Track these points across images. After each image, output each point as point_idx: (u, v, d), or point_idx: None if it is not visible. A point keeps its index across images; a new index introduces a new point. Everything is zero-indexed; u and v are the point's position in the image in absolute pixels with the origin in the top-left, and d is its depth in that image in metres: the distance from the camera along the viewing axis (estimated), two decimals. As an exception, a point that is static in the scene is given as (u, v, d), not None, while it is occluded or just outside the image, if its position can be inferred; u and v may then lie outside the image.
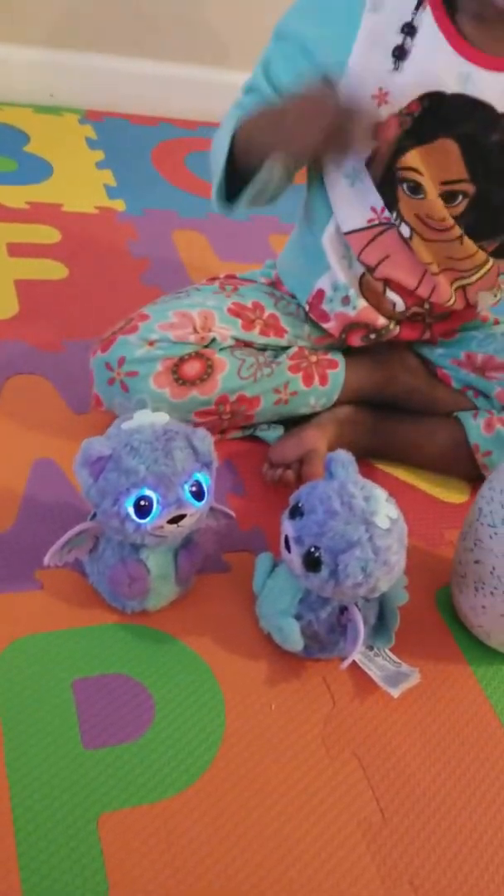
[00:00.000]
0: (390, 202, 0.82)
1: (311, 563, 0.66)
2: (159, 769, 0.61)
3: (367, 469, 0.91)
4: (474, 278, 0.87)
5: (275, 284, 0.97)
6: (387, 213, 0.83)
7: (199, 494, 0.66)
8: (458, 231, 0.82)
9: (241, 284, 0.95)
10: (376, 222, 0.84)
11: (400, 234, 0.83)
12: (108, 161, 1.45)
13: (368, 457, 0.93)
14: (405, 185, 0.80)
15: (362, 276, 0.89)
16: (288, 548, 0.69)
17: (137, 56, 1.56)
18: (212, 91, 1.32)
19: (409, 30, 0.73)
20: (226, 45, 1.57)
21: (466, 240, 0.83)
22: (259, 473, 0.88)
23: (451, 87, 0.74)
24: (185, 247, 1.26)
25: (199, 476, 0.67)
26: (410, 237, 0.83)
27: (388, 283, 0.88)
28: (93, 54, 1.54)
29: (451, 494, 0.94)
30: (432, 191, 0.79)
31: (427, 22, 0.73)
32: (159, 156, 1.51)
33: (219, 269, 1.04)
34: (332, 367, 0.93)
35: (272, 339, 0.90)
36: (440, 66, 0.73)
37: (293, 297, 0.95)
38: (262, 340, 0.89)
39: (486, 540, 0.72)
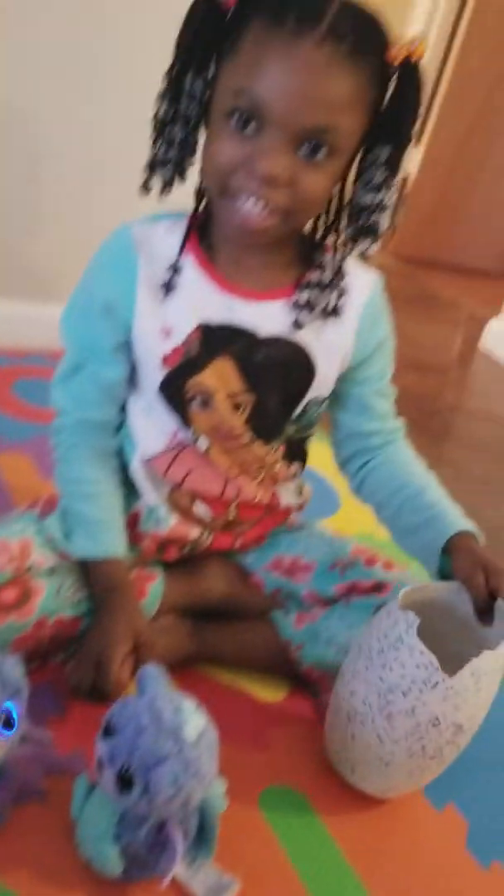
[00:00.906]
0: (185, 421, 0.91)
1: (124, 781, 0.68)
2: None
3: (185, 675, 0.94)
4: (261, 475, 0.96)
5: None
6: (183, 433, 0.92)
7: (8, 723, 0.68)
8: (247, 437, 0.91)
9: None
10: (175, 443, 0.93)
11: (198, 449, 0.92)
12: None
13: (189, 663, 0.97)
14: (196, 403, 0.89)
15: (170, 493, 0.96)
16: (101, 769, 0.70)
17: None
18: (38, 323, 1.42)
19: (174, 268, 0.86)
20: (52, 279, 1.70)
21: (256, 445, 0.92)
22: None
23: (217, 317, 0.86)
24: (10, 470, 1.31)
25: (9, 705, 0.68)
26: (208, 449, 0.92)
27: (195, 495, 0.96)
28: None
29: (270, 693, 0.98)
30: (221, 403, 0.89)
31: (189, 264, 0.86)
32: (-13, 383, 1.58)
33: (43, 490, 1.09)
34: (150, 580, 0.98)
35: None
36: (206, 300, 0.86)
37: None
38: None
39: (362, 672, 0.80)
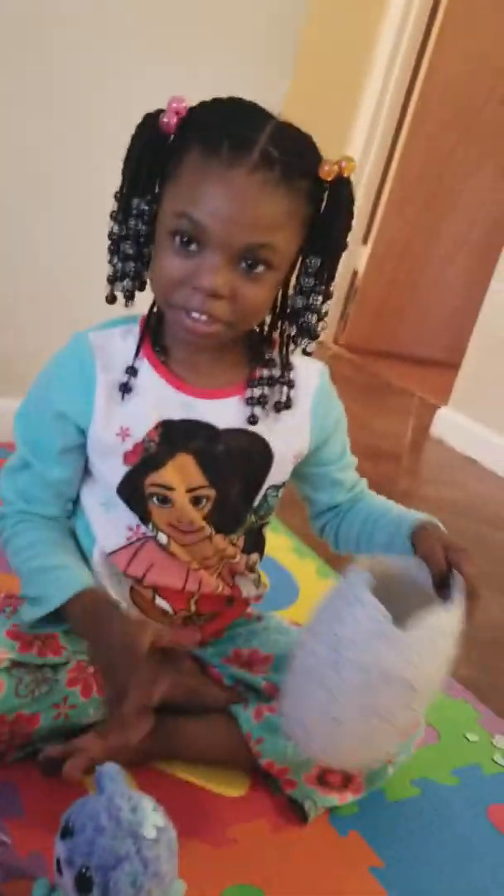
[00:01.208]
0: (144, 517, 0.93)
1: (83, 883, 0.67)
2: None
3: (144, 771, 0.94)
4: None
5: None
6: (143, 528, 0.93)
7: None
8: (207, 531, 0.93)
9: (20, 603, 0.99)
10: (135, 538, 0.94)
11: (158, 543, 0.94)
12: None
13: (150, 759, 0.96)
14: (155, 499, 0.92)
15: (131, 588, 0.97)
16: (60, 870, 0.69)
17: None
18: None
19: (132, 371, 0.90)
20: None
21: (216, 538, 0.94)
22: (41, 795, 0.88)
23: (177, 414, 0.90)
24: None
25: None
26: (168, 544, 0.93)
27: (156, 589, 0.97)
28: None
29: (230, 789, 0.98)
30: (180, 499, 0.91)
31: (145, 367, 0.90)
32: None
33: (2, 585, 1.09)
34: None
35: (49, 659, 0.95)
36: (164, 400, 0.90)
37: None
38: (39, 661, 0.93)
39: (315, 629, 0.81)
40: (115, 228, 0.86)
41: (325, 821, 0.98)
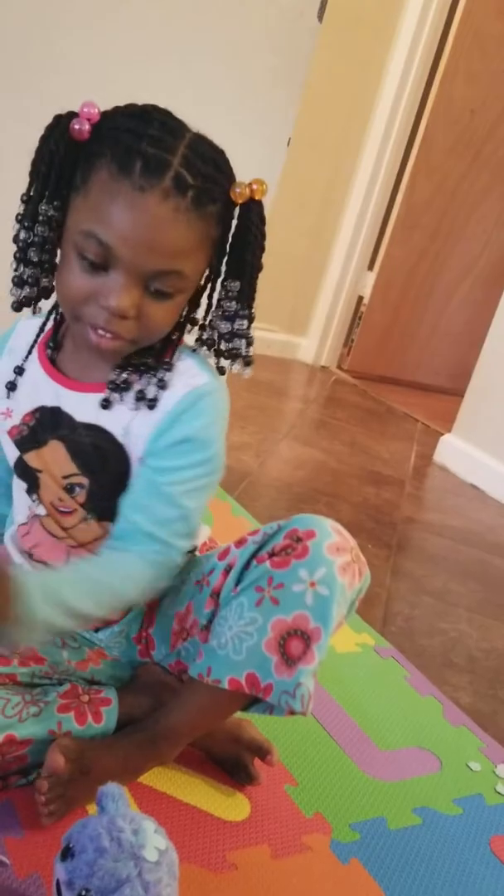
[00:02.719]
0: (32, 488, 0.96)
1: (83, 906, 0.66)
2: None
3: (145, 794, 0.93)
4: None
5: None
6: (32, 505, 0.96)
7: (-34, 846, 0.66)
8: (82, 514, 0.94)
9: None
10: (31, 515, 0.98)
11: (42, 523, 0.96)
12: None
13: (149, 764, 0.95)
14: (38, 478, 0.95)
15: (26, 562, 1.00)
16: (60, 892, 0.68)
17: None
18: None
19: (19, 370, 0.95)
20: None
21: (92, 523, 0.94)
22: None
23: (49, 402, 0.93)
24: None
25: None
26: (45, 518, 0.96)
27: (43, 565, 0.98)
28: None
29: (231, 813, 0.97)
30: (51, 483, 0.94)
31: (33, 361, 0.95)
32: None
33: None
34: (104, 705, 0.97)
35: (35, 668, 0.94)
36: (42, 388, 0.93)
37: None
38: (24, 670, 0.93)
39: None
40: (23, 234, 0.84)
41: (326, 847, 0.97)
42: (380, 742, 1.19)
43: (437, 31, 3.28)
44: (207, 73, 1.76)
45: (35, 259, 0.84)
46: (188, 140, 0.78)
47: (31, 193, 0.82)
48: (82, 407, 0.91)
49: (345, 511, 2.12)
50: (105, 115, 0.79)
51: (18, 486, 0.98)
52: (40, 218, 0.82)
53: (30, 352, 0.95)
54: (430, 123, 3.36)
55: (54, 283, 0.87)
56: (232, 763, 1.02)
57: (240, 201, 0.82)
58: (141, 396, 0.89)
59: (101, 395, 0.90)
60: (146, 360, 0.90)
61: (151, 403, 0.89)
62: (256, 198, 0.82)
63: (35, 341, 0.95)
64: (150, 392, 0.89)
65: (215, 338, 0.89)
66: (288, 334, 3.63)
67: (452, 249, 3.61)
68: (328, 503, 2.14)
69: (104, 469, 0.92)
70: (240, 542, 0.96)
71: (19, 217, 0.84)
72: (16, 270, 0.86)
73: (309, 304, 3.64)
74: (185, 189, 0.76)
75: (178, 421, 0.89)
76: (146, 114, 0.79)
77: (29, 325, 0.96)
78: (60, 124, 0.80)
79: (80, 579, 0.87)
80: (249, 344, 0.89)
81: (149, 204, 0.75)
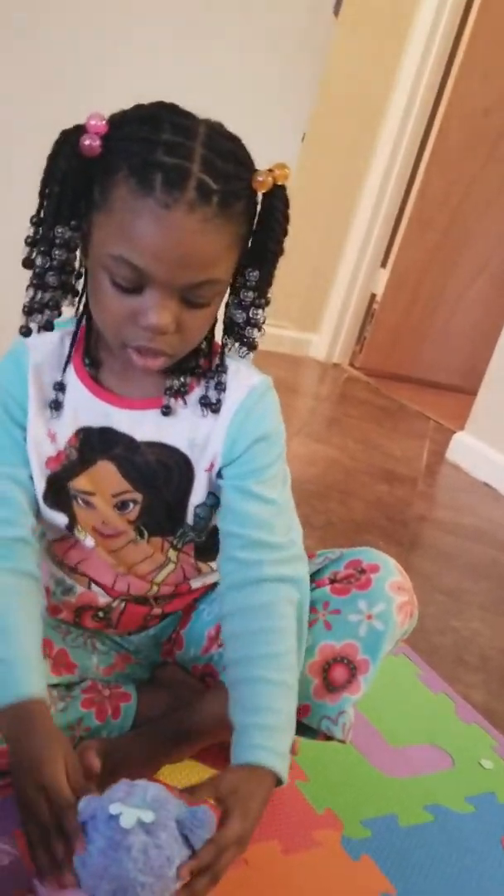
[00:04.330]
0: (71, 521, 0.92)
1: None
2: None
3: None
4: (161, 576, 0.95)
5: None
6: (70, 530, 0.92)
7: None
8: (131, 535, 0.91)
9: None
10: (70, 536, 0.94)
11: (86, 546, 0.93)
12: None
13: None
14: (80, 500, 0.91)
15: (69, 572, 0.97)
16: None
17: None
18: None
19: (60, 387, 0.87)
20: None
21: (141, 543, 0.92)
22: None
23: (96, 422, 0.88)
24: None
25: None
26: (94, 547, 0.92)
27: (90, 580, 0.97)
28: None
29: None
30: (103, 503, 0.90)
31: (72, 379, 0.88)
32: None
33: None
34: (124, 700, 0.98)
35: (64, 678, 0.94)
36: (86, 408, 0.88)
37: None
38: (54, 680, 0.93)
39: None
40: (39, 260, 0.79)
41: (337, 844, 0.96)
42: (391, 739, 1.18)
43: (453, 28, 3.26)
44: (222, 66, 1.75)
45: (55, 284, 0.80)
46: (203, 138, 0.74)
47: (43, 215, 0.78)
48: (141, 426, 0.88)
49: (357, 508, 2.12)
50: (113, 125, 0.74)
51: (48, 511, 0.92)
52: (57, 241, 0.78)
53: (65, 368, 0.88)
54: (445, 121, 3.34)
55: (84, 306, 0.84)
56: None
57: (263, 190, 0.78)
58: (206, 402, 0.87)
59: (157, 410, 0.87)
60: (196, 363, 0.87)
61: (216, 407, 0.87)
62: (279, 183, 0.79)
63: (69, 356, 0.88)
64: (213, 396, 0.87)
65: (229, 326, 0.87)
66: (300, 331, 3.62)
67: (466, 247, 3.59)
68: (340, 500, 2.14)
69: (168, 484, 0.90)
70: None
71: (30, 240, 0.79)
72: (32, 297, 0.81)
73: (321, 301, 3.63)
74: (210, 195, 0.72)
75: (248, 422, 0.88)
76: (155, 117, 0.74)
77: (44, 340, 0.88)
78: (69, 141, 0.74)
79: (290, 725, 0.82)
80: (260, 330, 0.86)
81: (176, 220, 0.71)
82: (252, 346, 0.87)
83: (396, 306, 3.63)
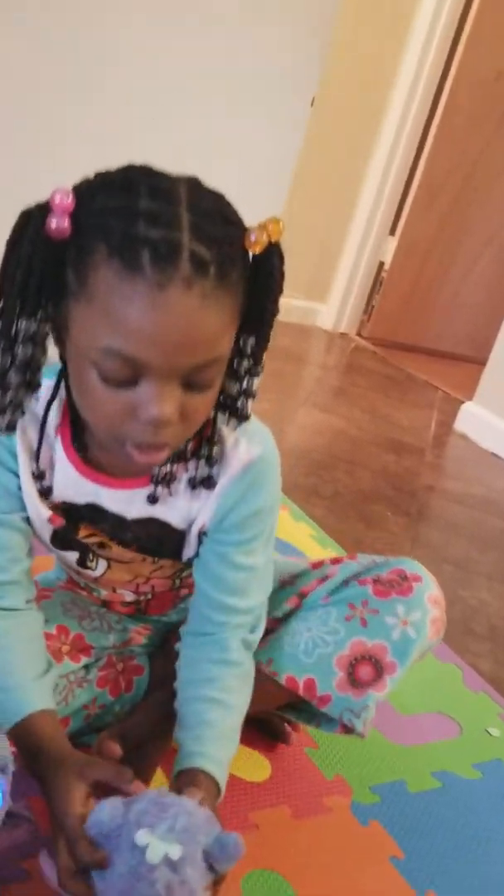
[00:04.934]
0: (81, 554, 0.89)
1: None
2: None
3: (166, 756, 0.94)
4: (184, 573, 0.93)
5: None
6: (79, 565, 0.90)
7: (-7, 800, 0.67)
8: (141, 555, 0.89)
9: (44, 597, 0.97)
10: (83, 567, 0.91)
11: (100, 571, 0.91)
12: None
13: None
14: (94, 547, 0.88)
15: (93, 581, 0.95)
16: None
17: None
18: None
19: (41, 476, 0.81)
20: None
21: (149, 559, 0.89)
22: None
23: (82, 499, 0.83)
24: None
25: (-6, 781, 0.68)
26: (109, 567, 0.90)
27: (114, 587, 0.95)
28: None
29: (253, 774, 0.98)
30: (109, 542, 0.87)
31: (59, 445, 0.81)
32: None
33: None
34: (137, 673, 0.99)
35: (83, 661, 0.94)
36: (71, 486, 0.82)
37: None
38: (74, 667, 0.93)
39: None
40: None
41: (346, 809, 0.97)
42: (400, 707, 1.19)
43: (463, -5, 3.20)
44: (232, 32, 1.72)
45: (16, 382, 0.70)
46: (186, 201, 0.64)
47: (3, 307, 0.68)
48: (131, 505, 0.82)
49: (364, 478, 2.12)
50: (81, 198, 0.64)
51: (64, 555, 0.90)
52: (20, 337, 0.68)
53: (38, 452, 0.80)
54: (454, 87, 3.28)
55: (69, 404, 0.77)
56: (264, 722, 1.03)
57: (257, 251, 0.69)
58: (195, 484, 0.81)
59: (145, 490, 0.81)
60: (184, 447, 0.80)
61: (210, 483, 0.81)
62: (274, 239, 0.69)
63: (40, 438, 0.80)
64: (203, 472, 0.80)
65: (221, 399, 0.77)
66: (307, 300, 3.59)
67: (476, 215, 3.55)
68: (347, 470, 2.13)
69: (160, 549, 0.88)
70: (336, 560, 0.99)
71: None
72: None
73: (329, 270, 3.60)
74: (206, 267, 0.63)
75: (241, 500, 0.83)
76: (128, 182, 0.65)
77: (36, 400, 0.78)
78: (32, 222, 0.65)
79: (226, 737, 0.83)
80: (254, 400, 0.78)
81: (172, 300, 0.62)
82: (244, 418, 0.79)
83: (405, 275, 3.60)
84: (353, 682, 0.91)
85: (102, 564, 0.90)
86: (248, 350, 0.74)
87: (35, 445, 0.80)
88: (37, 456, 0.80)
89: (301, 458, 2.13)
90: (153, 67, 1.67)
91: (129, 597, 0.97)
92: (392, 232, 3.57)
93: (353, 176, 3.44)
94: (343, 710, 0.91)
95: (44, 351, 0.71)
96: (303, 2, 1.85)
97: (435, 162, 3.40)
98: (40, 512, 0.84)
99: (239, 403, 0.77)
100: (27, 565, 0.87)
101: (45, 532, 0.87)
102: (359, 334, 3.71)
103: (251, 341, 0.74)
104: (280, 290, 0.72)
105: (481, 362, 2.79)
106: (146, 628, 1.03)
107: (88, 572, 0.92)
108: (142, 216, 0.62)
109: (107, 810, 0.67)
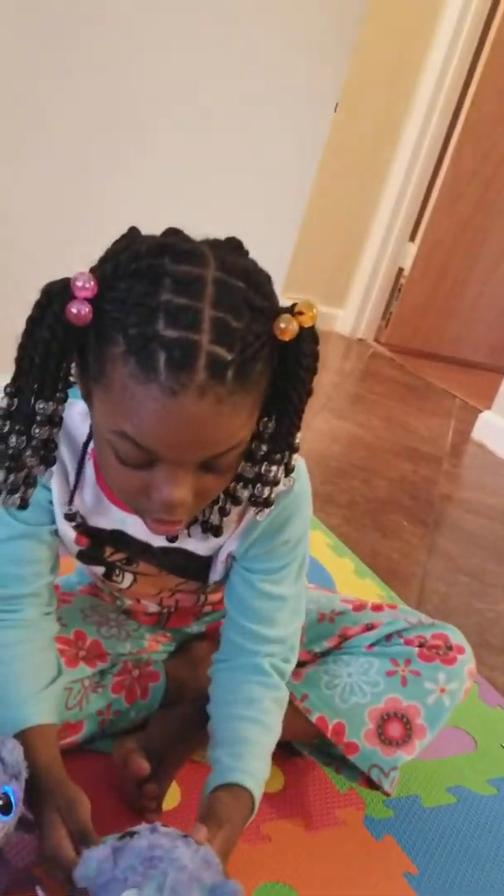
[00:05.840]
0: (108, 569, 0.89)
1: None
2: None
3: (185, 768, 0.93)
4: (210, 589, 0.93)
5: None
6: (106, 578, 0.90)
7: (5, 808, 0.67)
8: (171, 576, 0.89)
9: (64, 601, 0.97)
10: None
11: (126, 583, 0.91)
12: None
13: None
14: (121, 564, 0.88)
15: (119, 591, 0.95)
16: None
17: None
18: None
19: (75, 488, 0.81)
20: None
21: (181, 581, 0.90)
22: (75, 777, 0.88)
23: (108, 525, 0.83)
24: None
25: (7, 789, 0.67)
26: (134, 581, 0.90)
27: (139, 597, 0.95)
28: None
29: (267, 784, 0.96)
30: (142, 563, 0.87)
31: (89, 477, 0.80)
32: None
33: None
34: (153, 680, 0.98)
35: (98, 667, 0.94)
36: (98, 510, 0.82)
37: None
38: (89, 672, 0.93)
39: None
40: (14, 440, 0.67)
41: (359, 823, 0.96)
42: (414, 719, 1.18)
43: (489, -3, 3.19)
44: (254, 35, 1.72)
45: (32, 462, 0.68)
46: (212, 290, 0.60)
47: (21, 387, 0.65)
48: (156, 535, 0.79)
49: (381, 487, 2.10)
50: (104, 282, 0.62)
51: (92, 569, 0.91)
52: (38, 418, 0.66)
53: (76, 484, 0.81)
54: (479, 91, 3.27)
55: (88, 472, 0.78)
56: None
57: (287, 338, 0.64)
58: (207, 527, 0.79)
59: None
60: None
61: (217, 531, 0.79)
62: (306, 326, 0.65)
63: (78, 472, 0.80)
64: (215, 520, 0.78)
65: (233, 482, 0.74)
66: (325, 305, 3.58)
67: (497, 222, 3.53)
68: (364, 478, 2.12)
69: (186, 572, 0.87)
70: (377, 608, 1.02)
71: (3, 413, 0.67)
72: (4, 479, 0.69)
73: (347, 275, 3.59)
74: (224, 370, 0.60)
75: (270, 530, 0.82)
76: (154, 269, 0.61)
77: (71, 410, 0.75)
78: (53, 305, 0.62)
79: (263, 757, 0.83)
80: (275, 485, 0.73)
81: (185, 407, 0.60)
82: (266, 504, 0.74)
83: (424, 281, 3.59)
84: (381, 736, 0.93)
85: (129, 578, 0.90)
86: (266, 435, 0.70)
87: (69, 466, 0.80)
88: (74, 484, 0.80)
89: (317, 466, 2.12)
90: (185, 90, 1.68)
91: (153, 608, 0.97)
92: (412, 238, 3.56)
93: (373, 181, 3.43)
94: (371, 765, 0.93)
95: (60, 427, 0.69)
96: (326, 5, 1.84)
97: (456, 168, 3.39)
98: (67, 532, 0.84)
99: (256, 489, 0.73)
100: (51, 580, 0.87)
101: (73, 548, 0.87)
102: (377, 340, 3.69)
103: (273, 425, 0.70)
104: (312, 375, 0.68)
105: (500, 371, 2.78)
106: (165, 636, 1.03)
107: (115, 584, 0.92)
108: (162, 313, 0.59)
109: (94, 865, 0.64)
